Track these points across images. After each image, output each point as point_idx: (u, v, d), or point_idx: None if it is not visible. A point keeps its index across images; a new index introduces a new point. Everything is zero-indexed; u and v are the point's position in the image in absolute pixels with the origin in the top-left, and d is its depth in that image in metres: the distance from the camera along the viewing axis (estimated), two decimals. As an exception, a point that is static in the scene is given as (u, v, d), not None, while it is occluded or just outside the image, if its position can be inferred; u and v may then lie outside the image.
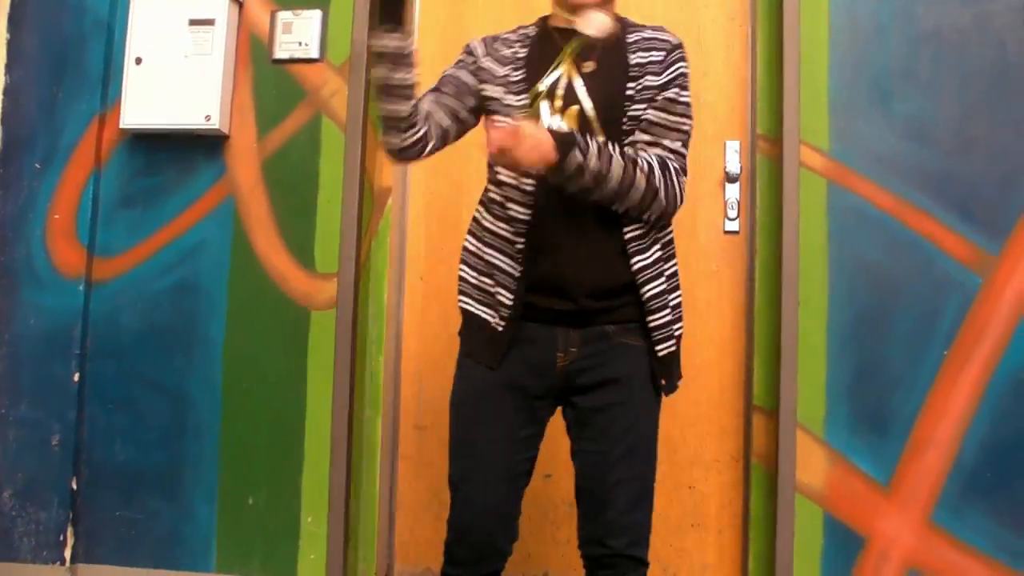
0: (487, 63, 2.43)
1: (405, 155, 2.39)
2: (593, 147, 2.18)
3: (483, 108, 2.44)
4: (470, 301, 2.40)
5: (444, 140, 2.43)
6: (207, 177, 3.52)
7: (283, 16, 3.53)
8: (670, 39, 2.41)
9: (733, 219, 3.37)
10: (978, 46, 3.21)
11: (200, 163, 3.53)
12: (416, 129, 2.33)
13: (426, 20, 3.63)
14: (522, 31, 2.49)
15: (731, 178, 3.37)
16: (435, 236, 3.54)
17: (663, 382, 2.38)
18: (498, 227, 2.37)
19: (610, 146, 2.23)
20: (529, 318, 2.33)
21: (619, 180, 2.22)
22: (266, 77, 3.53)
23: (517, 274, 2.33)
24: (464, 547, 2.34)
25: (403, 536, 3.50)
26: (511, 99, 2.36)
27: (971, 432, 3.10)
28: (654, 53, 2.37)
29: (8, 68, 3.66)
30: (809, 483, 3.15)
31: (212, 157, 3.52)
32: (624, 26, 2.44)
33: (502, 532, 2.35)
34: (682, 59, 2.40)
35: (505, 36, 2.49)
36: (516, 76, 2.39)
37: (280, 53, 3.52)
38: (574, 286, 2.30)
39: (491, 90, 2.40)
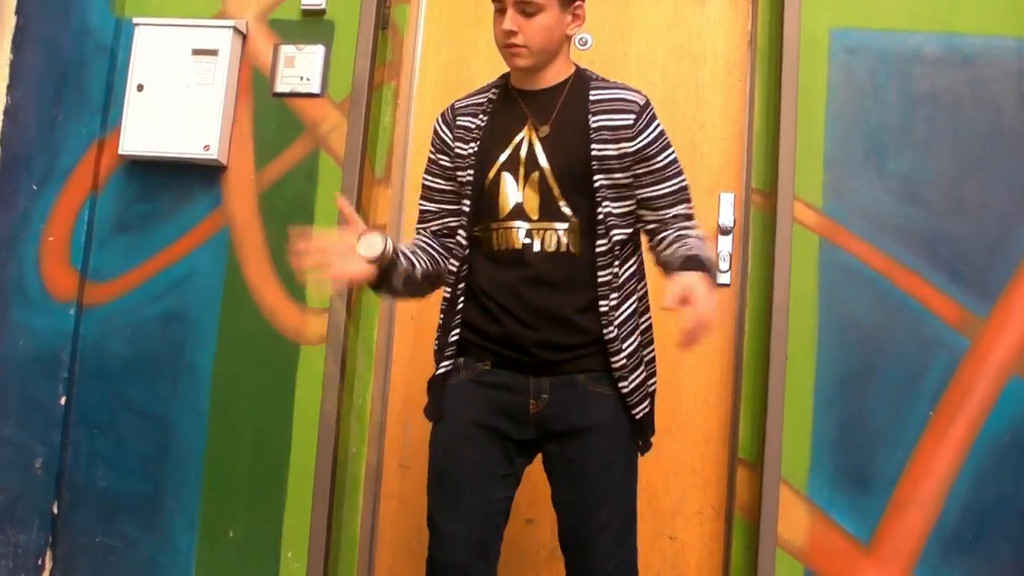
0: (458, 148, 2.46)
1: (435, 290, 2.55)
2: (708, 260, 2.27)
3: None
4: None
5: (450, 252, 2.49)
6: (203, 207, 3.53)
7: (286, 50, 3.55)
8: (637, 99, 2.39)
9: (724, 271, 3.38)
10: (972, 109, 3.24)
11: (197, 193, 3.54)
12: (431, 278, 2.47)
13: (428, 64, 3.66)
14: (485, 94, 2.51)
15: (724, 230, 3.39)
16: (427, 275, 3.55)
17: (640, 443, 2.44)
18: (447, 290, 2.47)
19: (695, 244, 2.32)
20: (503, 366, 2.37)
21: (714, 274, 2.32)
22: (266, 110, 3.55)
23: (452, 326, 2.42)
24: None
25: (382, 575, 3.48)
26: (469, 174, 2.41)
27: (954, 492, 3.11)
28: (621, 116, 2.36)
29: (10, 89, 3.67)
30: (790, 538, 3.15)
31: (209, 187, 3.53)
32: (586, 81, 2.44)
33: (481, 567, 2.36)
34: (654, 118, 2.40)
35: (467, 103, 2.51)
36: (473, 148, 2.42)
37: (281, 87, 3.54)
38: (529, 343, 2.35)
39: (466, 175, 2.43)
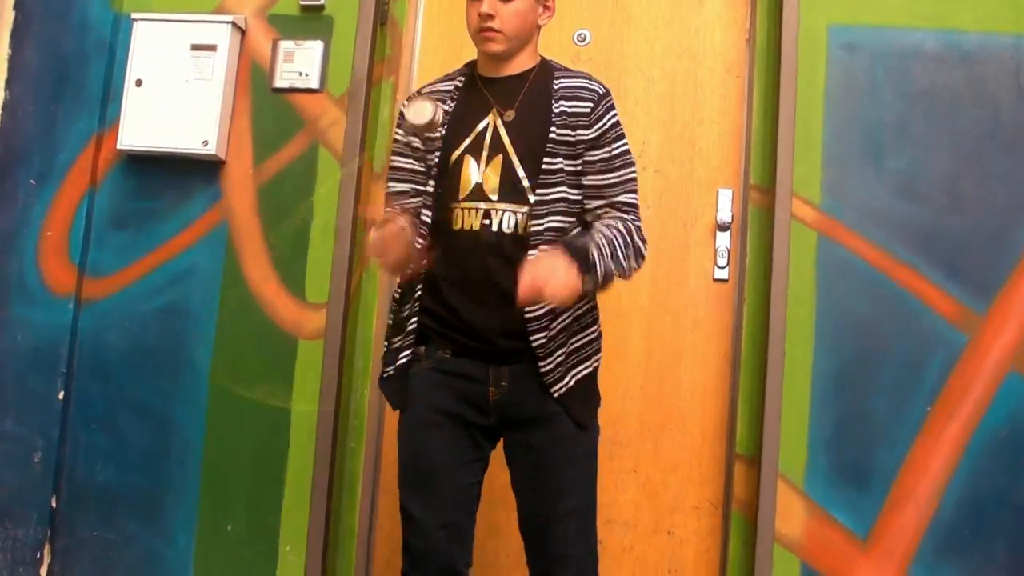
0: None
1: None
2: (596, 254, 2.28)
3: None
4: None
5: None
6: (202, 202, 3.53)
7: (285, 45, 3.55)
8: (597, 88, 2.46)
9: (723, 267, 3.39)
10: (970, 106, 3.24)
11: (195, 188, 3.54)
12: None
13: (427, 59, 3.66)
14: (451, 81, 2.55)
15: (722, 226, 3.39)
16: (426, 270, 3.54)
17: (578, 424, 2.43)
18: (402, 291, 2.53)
19: (602, 239, 2.33)
20: (463, 354, 2.41)
21: (625, 266, 2.37)
22: (265, 105, 3.55)
23: (411, 313, 2.47)
24: (421, 570, 2.38)
25: (380, 569, 3.48)
26: (437, 156, 2.44)
27: (950, 489, 3.11)
28: (580, 103, 2.42)
29: (8, 84, 3.68)
30: (788, 533, 3.16)
31: (208, 182, 3.53)
32: (550, 71, 2.51)
33: (458, 551, 2.41)
34: (611, 108, 2.46)
35: (432, 90, 2.56)
36: (441, 132, 2.45)
37: (280, 82, 3.54)
38: (487, 329, 2.39)
39: (433, 157, 2.45)
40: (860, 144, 3.26)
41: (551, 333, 2.38)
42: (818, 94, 3.29)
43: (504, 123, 2.42)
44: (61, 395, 3.51)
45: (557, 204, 2.38)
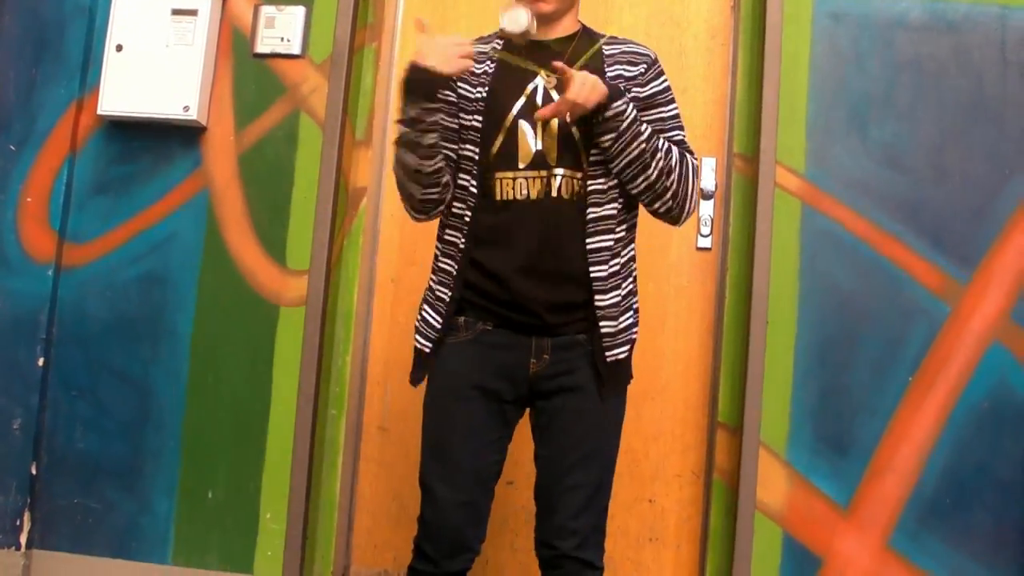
0: (463, 90, 2.42)
1: (427, 208, 2.41)
2: (630, 104, 2.27)
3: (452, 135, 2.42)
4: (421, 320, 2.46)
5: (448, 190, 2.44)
6: (182, 168, 3.50)
7: (266, 10, 3.52)
8: (648, 52, 2.46)
9: (706, 236, 3.38)
10: (955, 76, 3.24)
11: (176, 154, 3.51)
12: (440, 182, 2.36)
13: (410, 26, 3.63)
14: (489, 43, 2.48)
15: (706, 195, 3.38)
16: (408, 239, 3.53)
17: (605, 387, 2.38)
18: (443, 262, 2.42)
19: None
20: (506, 327, 2.35)
21: (660, 153, 2.31)
22: (246, 71, 3.52)
23: (447, 298, 2.39)
24: (434, 543, 2.35)
25: (361, 537, 3.49)
26: (476, 119, 2.37)
27: (932, 459, 3.13)
28: (632, 67, 2.41)
29: (-13, 50, 3.64)
30: (769, 502, 3.16)
31: (188, 148, 3.51)
32: (595, 36, 2.47)
33: (472, 529, 2.38)
34: (662, 72, 2.46)
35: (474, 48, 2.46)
36: (481, 93, 2.39)
37: (262, 47, 3.51)
38: (533, 303, 2.32)
39: (472, 119, 2.39)
40: (845, 113, 3.26)
41: (621, 293, 2.36)
42: (803, 63, 3.28)
43: (555, 87, 2.34)
44: (41, 362, 3.48)
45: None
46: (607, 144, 2.27)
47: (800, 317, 3.21)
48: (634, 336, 2.42)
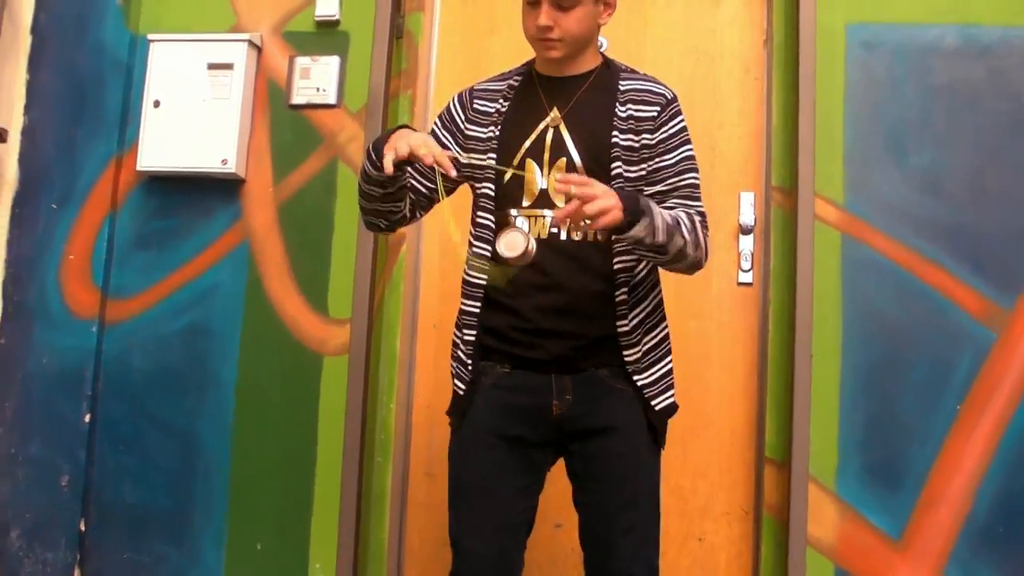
0: (472, 131, 2.42)
1: (395, 228, 2.51)
2: (657, 213, 2.16)
3: (466, 175, 2.42)
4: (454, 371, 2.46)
5: (414, 214, 2.47)
6: (223, 220, 3.53)
7: (301, 62, 3.55)
8: (664, 92, 2.39)
9: (747, 271, 3.37)
10: (992, 100, 3.23)
11: (216, 206, 3.55)
12: (400, 212, 2.41)
13: (444, 72, 3.66)
14: (505, 80, 2.47)
15: (745, 229, 3.38)
16: (449, 283, 3.52)
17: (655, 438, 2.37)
18: (464, 303, 2.42)
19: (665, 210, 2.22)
20: (523, 367, 2.33)
21: (689, 239, 2.24)
22: (283, 122, 3.56)
23: (468, 338, 2.39)
24: None
25: (411, 583, 3.48)
26: (495, 158, 2.36)
27: (983, 487, 3.09)
28: (646, 108, 2.35)
29: (27, 108, 3.69)
30: (820, 536, 3.13)
31: (228, 201, 3.54)
32: (616, 71, 2.43)
33: None
34: (678, 113, 2.38)
35: (486, 87, 2.48)
36: (493, 132, 2.38)
37: (297, 98, 3.54)
38: (549, 337, 2.30)
39: (477, 159, 2.37)
40: (882, 142, 3.25)
41: (635, 320, 2.32)
42: (838, 93, 3.28)
43: (565, 124, 2.33)
44: (87, 417, 3.51)
45: None
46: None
47: (844, 348, 3.19)
48: (666, 364, 2.38)
